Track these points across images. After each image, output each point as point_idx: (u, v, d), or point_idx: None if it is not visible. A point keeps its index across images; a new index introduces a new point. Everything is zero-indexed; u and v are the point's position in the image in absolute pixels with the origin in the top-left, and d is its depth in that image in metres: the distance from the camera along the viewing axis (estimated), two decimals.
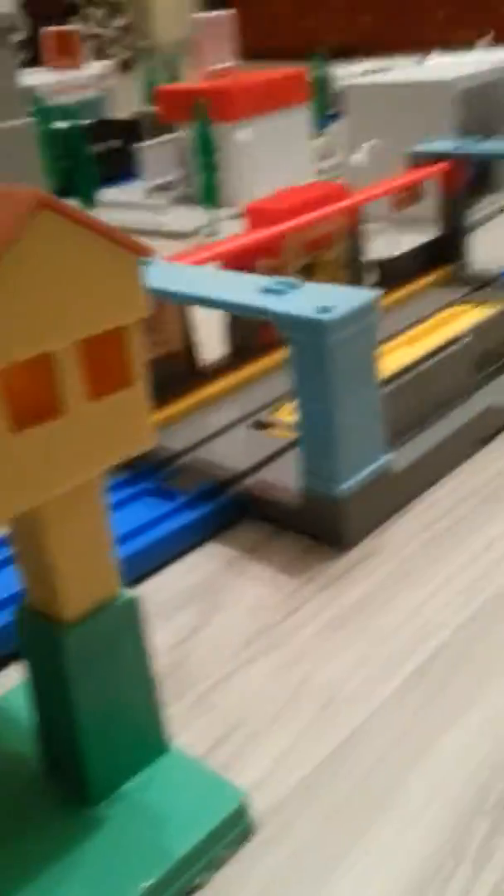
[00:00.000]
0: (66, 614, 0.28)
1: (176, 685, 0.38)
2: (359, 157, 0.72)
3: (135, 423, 0.26)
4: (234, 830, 0.30)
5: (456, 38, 2.33)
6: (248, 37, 2.70)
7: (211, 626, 0.41)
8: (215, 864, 0.30)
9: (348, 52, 2.45)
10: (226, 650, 0.40)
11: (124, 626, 0.30)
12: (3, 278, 0.21)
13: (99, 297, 0.23)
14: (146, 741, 0.32)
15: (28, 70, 1.83)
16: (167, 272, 0.48)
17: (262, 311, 0.41)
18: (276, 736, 0.35)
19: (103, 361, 0.25)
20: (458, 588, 0.41)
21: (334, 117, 1.35)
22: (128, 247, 0.23)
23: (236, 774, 0.33)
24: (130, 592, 0.30)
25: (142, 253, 0.24)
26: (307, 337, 0.40)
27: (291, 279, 0.43)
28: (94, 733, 0.30)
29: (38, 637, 0.29)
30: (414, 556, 0.44)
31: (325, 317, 0.39)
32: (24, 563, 0.29)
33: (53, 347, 0.23)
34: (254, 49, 2.62)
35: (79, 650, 0.28)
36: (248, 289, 0.43)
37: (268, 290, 0.42)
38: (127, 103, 1.83)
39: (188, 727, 0.36)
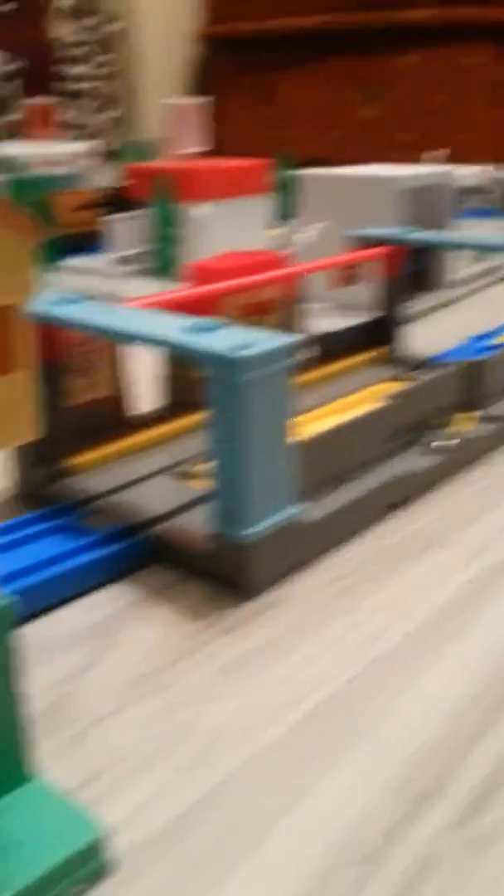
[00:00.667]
0: None
1: (54, 721, 0.36)
2: (306, 236, 0.75)
3: (14, 412, 0.25)
4: (87, 866, 0.28)
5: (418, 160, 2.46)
6: (228, 134, 2.83)
7: (101, 664, 0.40)
8: None
9: (318, 162, 2.57)
10: (111, 689, 0.38)
11: None
12: None
13: None
14: (6, 767, 0.30)
15: (12, 143, 1.89)
16: (98, 309, 0.48)
17: (184, 347, 0.41)
18: (149, 776, 0.33)
19: None
20: (352, 643, 0.41)
21: (294, 214, 1.40)
22: (17, 226, 0.23)
23: (103, 812, 0.31)
24: (6, 597, 0.28)
25: (34, 234, 0.24)
26: (222, 373, 0.40)
27: (220, 320, 0.43)
28: None
29: None
30: (315, 609, 0.43)
31: (240, 353, 0.39)
32: None
33: None
34: (227, 146, 2.75)
35: None
36: (174, 327, 0.44)
37: (194, 329, 0.43)
38: (101, 182, 1.89)
39: (60, 763, 0.34)
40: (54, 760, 0.34)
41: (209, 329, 0.43)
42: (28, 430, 0.26)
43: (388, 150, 2.61)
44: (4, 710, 0.29)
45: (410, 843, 0.30)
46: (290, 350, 0.41)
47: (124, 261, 1.23)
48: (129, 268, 1.19)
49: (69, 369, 0.55)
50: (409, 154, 2.59)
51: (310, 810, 0.31)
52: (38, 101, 1.26)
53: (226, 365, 0.39)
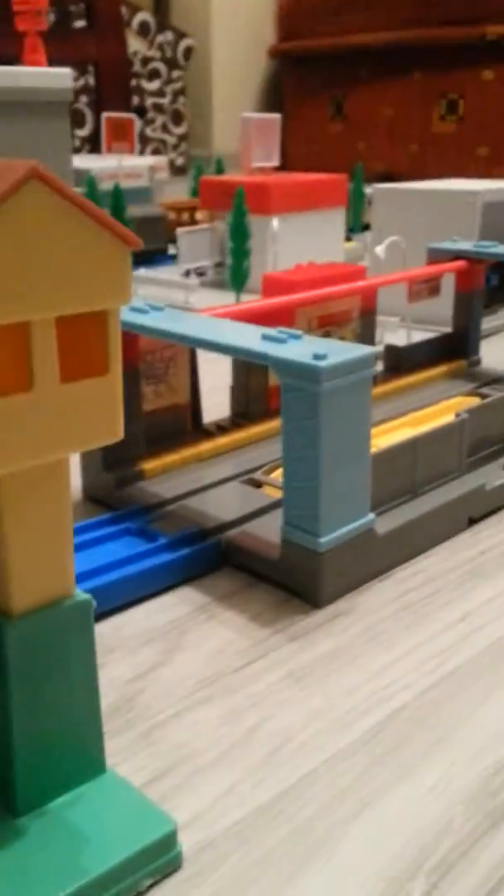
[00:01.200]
0: (13, 606, 0.28)
1: (126, 717, 0.37)
2: (381, 249, 0.75)
3: (104, 412, 0.26)
4: (160, 859, 0.29)
5: (496, 175, 2.44)
6: (295, 150, 2.84)
7: (171, 664, 0.40)
8: (137, 891, 0.28)
9: (387, 177, 2.57)
10: (181, 689, 0.39)
11: (73, 628, 0.29)
12: None
13: (83, 277, 0.24)
14: (82, 757, 0.30)
15: (86, 156, 1.93)
16: (176, 317, 0.49)
17: (261, 356, 0.42)
18: (218, 776, 0.33)
19: (80, 344, 0.25)
20: (424, 655, 0.40)
21: (367, 227, 1.41)
22: (118, 234, 0.24)
23: (172, 808, 0.32)
24: (83, 595, 0.29)
25: (131, 243, 0.24)
26: (301, 383, 0.40)
27: (294, 330, 0.44)
28: (30, 739, 0.29)
29: None
30: (386, 620, 0.43)
31: (320, 363, 0.39)
32: None
33: (31, 318, 0.23)
34: (296, 161, 2.76)
35: (23, 645, 0.28)
36: (250, 336, 0.44)
37: (269, 338, 0.43)
38: (174, 197, 1.92)
39: (131, 758, 0.34)
40: (126, 755, 0.34)
41: (285, 339, 0.44)
42: (115, 430, 0.27)
43: (463, 165, 2.60)
44: (82, 702, 0.30)
45: (483, 857, 0.29)
46: (368, 361, 0.41)
47: (195, 272, 1.25)
48: (200, 279, 1.21)
49: (144, 375, 0.56)
50: (484, 169, 2.57)
51: (380, 819, 0.31)
52: (115, 115, 1.29)
53: (306, 374, 0.40)
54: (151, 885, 0.29)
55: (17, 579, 0.27)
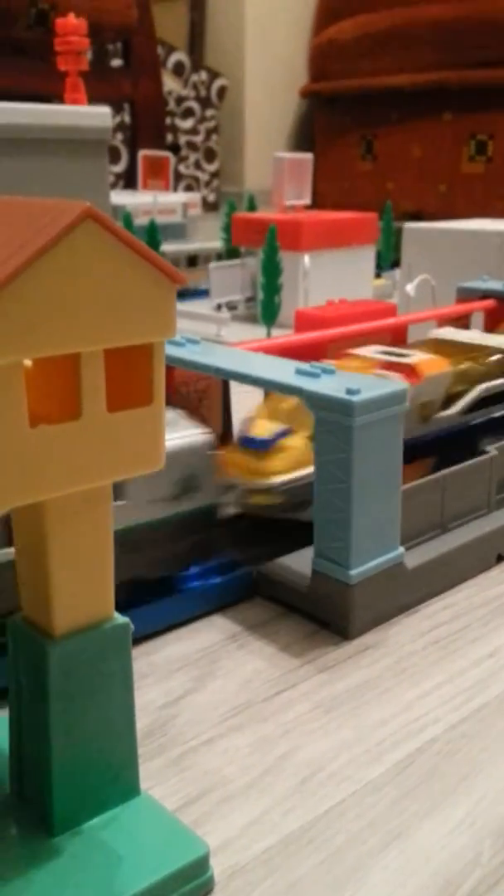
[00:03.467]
0: (55, 627, 0.29)
1: (159, 742, 0.37)
2: (412, 286, 0.76)
3: (147, 442, 0.27)
4: (192, 882, 0.29)
5: None
6: (325, 188, 2.88)
7: (203, 691, 0.41)
8: None
9: (421, 217, 2.59)
10: (213, 715, 0.39)
11: (112, 650, 0.30)
12: (40, 276, 0.23)
13: (131, 312, 0.25)
14: (118, 779, 0.31)
15: (122, 192, 1.98)
16: (212, 350, 0.50)
17: (295, 390, 0.43)
18: (248, 803, 0.34)
19: (127, 376, 0.26)
20: (455, 690, 0.41)
21: (397, 264, 1.42)
22: (165, 272, 0.25)
23: (203, 834, 0.32)
24: (122, 618, 0.30)
25: (177, 280, 0.26)
26: (334, 417, 0.41)
27: (327, 365, 0.45)
28: (67, 759, 0.29)
29: (24, 648, 0.29)
30: (415, 654, 0.44)
31: (353, 398, 0.40)
32: (22, 571, 0.29)
33: (80, 350, 0.25)
34: (326, 199, 2.80)
35: (63, 666, 0.29)
36: (284, 370, 0.45)
37: (303, 373, 0.44)
38: (206, 233, 1.95)
39: (163, 782, 0.35)
40: (158, 779, 0.35)
41: (319, 374, 0.45)
42: (158, 459, 0.28)
43: (492, 205, 2.62)
44: (119, 724, 0.31)
45: None
46: (400, 396, 0.42)
47: (227, 306, 1.27)
48: (231, 312, 1.23)
49: (180, 406, 0.57)
50: None
51: (408, 851, 0.31)
52: (152, 153, 1.32)
53: (339, 408, 0.41)
54: None
55: (59, 601, 0.28)
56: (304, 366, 0.46)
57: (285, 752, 0.37)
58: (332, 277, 1.16)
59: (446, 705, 0.39)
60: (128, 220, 1.37)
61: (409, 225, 1.08)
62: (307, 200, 1.26)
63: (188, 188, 3.11)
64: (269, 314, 1.07)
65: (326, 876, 0.30)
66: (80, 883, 0.28)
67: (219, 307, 1.26)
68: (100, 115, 0.92)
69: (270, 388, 0.45)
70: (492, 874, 0.30)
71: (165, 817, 0.31)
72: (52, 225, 0.23)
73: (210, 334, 1.11)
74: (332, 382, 0.43)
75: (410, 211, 2.77)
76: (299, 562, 0.48)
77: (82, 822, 0.30)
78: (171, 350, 0.50)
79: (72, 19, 0.97)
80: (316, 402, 0.42)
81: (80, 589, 0.29)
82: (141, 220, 1.43)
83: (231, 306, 1.27)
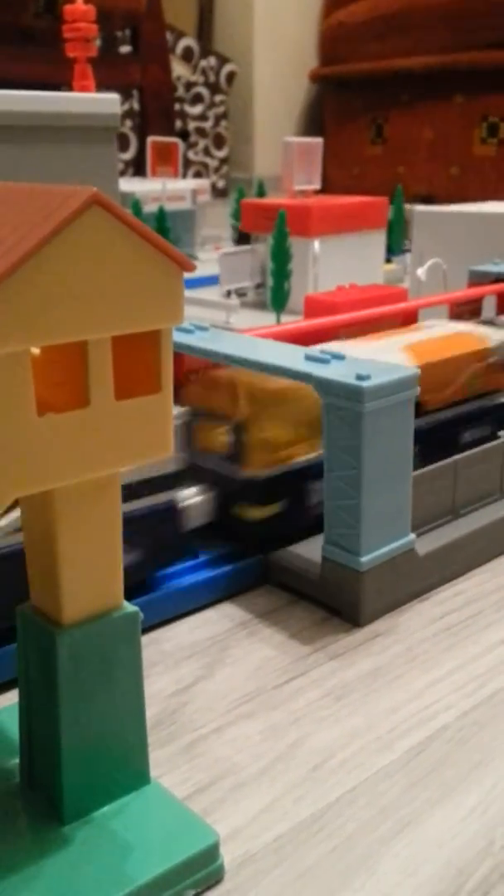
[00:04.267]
0: (64, 616, 0.29)
1: (168, 730, 0.37)
2: (423, 270, 0.76)
3: (156, 429, 0.27)
4: (202, 870, 0.29)
5: None
6: (335, 173, 2.86)
7: (213, 679, 0.41)
8: None
9: (432, 200, 2.58)
10: (223, 703, 0.39)
11: (122, 639, 0.30)
12: (47, 263, 0.23)
13: (138, 299, 0.25)
14: (128, 768, 0.31)
15: (131, 179, 1.97)
16: (221, 336, 0.50)
17: (305, 376, 0.43)
18: (259, 791, 0.34)
19: (135, 363, 0.26)
20: (466, 676, 0.40)
21: (408, 249, 1.41)
22: (173, 257, 0.25)
23: (213, 822, 0.32)
24: (131, 606, 0.30)
25: (185, 267, 0.25)
26: (344, 402, 0.41)
27: (336, 351, 0.44)
28: (77, 748, 0.29)
29: (34, 636, 0.29)
30: (426, 641, 0.43)
31: (363, 383, 0.40)
32: (31, 561, 0.29)
33: (88, 337, 0.24)
34: (337, 184, 2.78)
35: (72, 655, 0.29)
36: (294, 356, 0.45)
37: (312, 358, 0.44)
38: (215, 219, 1.94)
39: (173, 770, 0.35)
40: (168, 767, 0.35)
41: (328, 360, 0.44)
42: (166, 446, 0.28)
43: None
44: (129, 713, 0.31)
45: None
46: (411, 381, 0.42)
47: (236, 292, 1.27)
48: (240, 299, 1.22)
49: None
50: None
51: (420, 838, 0.31)
52: (161, 139, 1.32)
53: (349, 394, 0.40)
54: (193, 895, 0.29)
55: (68, 590, 0.28)
56: (314, 351, 0.45)
57: (296, 740, 0.37)
58: (342, 263, 1.15)
59: (458, 692, 0.39)
60: (137, 207, 1.37)
61: (420, 208, 1.07)
62: (317, 185, 1.25)
63: (197, 174, 3.10)
64: (278, 300, 1.06)
65: (338, 863, 0.30)
66: (90, 871, 0.28)
67: (228, 294, 1.26)
68: (109, 102, 0.92)
69: (280, 374, 0.44)
70: (503, 863, 0.30)
71: (175, 806, 0.31)
72: (59, 211, 0.22)
73: (219, 321, 1.11)
74: (341, 368, 0.43)
75: (421, 194, 2.75)
76: (309, 549, 0.47)
77: (92, 811, 0.30)
78: (180, 337, 0.50)
79: (80, 6, 0.97)
80: (326, 388, 0.42)
81: (89, 577, 0.29)
82: (150, 207, 1.42)
83: (241, 293, 1.27)
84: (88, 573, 0.29)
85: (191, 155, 3.11)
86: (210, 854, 0.29)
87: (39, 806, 0.30)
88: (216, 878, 0.29)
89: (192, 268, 0.26)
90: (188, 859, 0.29)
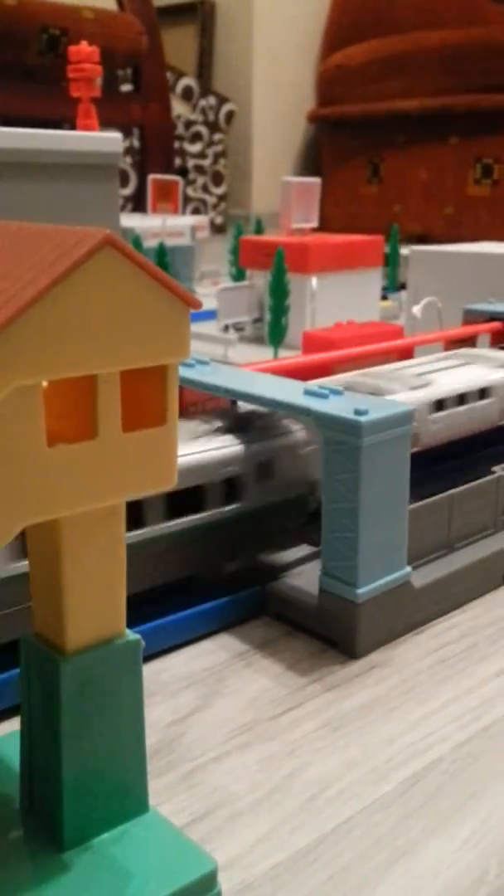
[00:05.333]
0: (68, 644, 0.29)
1: (167, 759, 0.38)
2: (419, 308, 0.77)
3: (161, 461, 0.28)
4: None
5: None
6: (332, 211, 2.90)
7: (210, 709, 0.41)
8: None
9: (427, 240, 2.62)
10: (220, 733, 0.39)
11: (124, 667, 0.30)
12: (61, 300, 0.24)
13: (146, 335, 0.26)
14: (127, 795, 0.31)
15: (131, 215, 2.00)
16: (221, 370, 0.51)
17: (303, 410, 0.44)
18: (256, 820, 0.34)
19: (142, 397, 0.27)
20: (461, 709, 0.41)
21: (403, 287, 1.44)
22: (180, 296, 0.26)
23: (211, 850, 0.32)
24: (133, 635, 0.31)
25: (192, 304, 0.26)
26: (342, 437, 0.42)
27: (334, 386, 0.45)
28: (78, 775, 0.30)
29: (36, 664, 0.30)
30: (423, 673, 0.44)
31: (361, 418, 0.41)
32: (35, 588, 0.30)
33: (98, 371, 0.25)
34: (333, 222, 2.82)
35: (75, 682, 0.29)
36: (293, 390, 0.46)
37: (311, 393, 0.45)
38: (213, 255, 1.97)
39: (171, 800, 0.35)
40: (166, 796, 0.35)
41: (327, 394, 0.45)
42: (171, 477, 0.29)
43: (498, 228, 2.64)
44: (129, 740, 0.31)
45: None
46: (408, 417, 0.43)
47: (234, 327, 1.28)
48: (238, 334, 1.24)
49: None
50: None
51: (415, 868, 0.31)
52: (161, 177, 1.34)
53: (347, 429, 0.41)
54: None
55: (73, 617, 0.29)
56: (313, 386, 0.46)
57: (293, 770, 0.37)
58: (339, 299, 1.17)
59: (453, 724, 0.40)
60: (137, 242, 1.39)
61: (416, 248, 1.10)
62: (314, 224, 1.28)
63: (195, 211, 3.14)
64: (276, 335, 1.08)
65: (334, 892, 0.31)
66: None
67: (226, 328, 1.27)
68: (111, 141, 0.94)
69: (278, 408, 0.45)
70: (498, 892, 0.30)
71: (174, 833, 0.31)
72: (74, 250, 0.23)
73: (217, 355, 1.12)
74: (340, 403, 0.44)
75: (417, 233, 2.79)
76: (307, 580, 0.48)
77: (92, 838, 0.30)
78: (182, 371, 0.51)
79: (85, 47, 0.99)
80: (324, 423, 0.43)
81: (94, 605, 0.29)
82: (150, 243, 1.44)
83: (238, 327, 1.28)
84: (93, 601, 0.29)
85: (189, 191, 3.16)
86: (208, 882, 0.30)
87: (39, 831, 0.31)
88: None
89: (198, 305, 0.27)
90: (186, 886, 0.29)
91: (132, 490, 0.27)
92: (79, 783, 0.30)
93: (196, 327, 1.29)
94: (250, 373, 0.52)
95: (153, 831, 0.31)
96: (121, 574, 0.30)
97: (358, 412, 0.42)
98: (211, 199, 3.26)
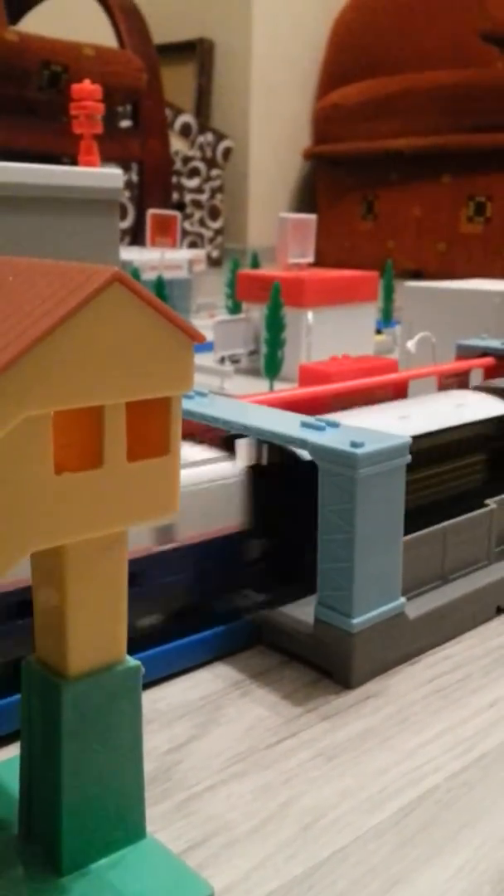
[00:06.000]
0: (70, 669, 0.30)
1: (163, 787, 0.38)
2: (413, 343, 0.79)
3: (164, 490, 0.29)
4: None
5: None
6: (327, 246, 2.94)
7: (206, 738, 0.41)
8: None
9: (421, 276, 2.65)
10: (216, 762, 0.40)
11: (124, 692, 0.31)
12: (71, 334, 0.24)
13: (152, 367, 0.27)
14: (125, 821, 0.32)
15: (130, 248, 2.02)
16: (219, 403, 0.52)
17: (300, 442, 0.45)
18: (252, 848, 0.34)
19: (146, 427, 0.28)
20: (455, 739, 0.41)
21: (396, 322, 1.46)
22: (184, 330, 0.27)
23: (207, 878, 0.32)
24: (133, 661, 0.31)
25: (195, 338, 0.27)
26: (338, 468, 0.43)
27: (331, 418, 0.46)
28: (77, 800, 0.30)
29: (38, 688, 0.30)
30: (417, 703, 0.44)
31: (357, 450, 0.42)
32: (38, 613, 0.31)
33: (105, 402, 0.26)
34: (327, 257, 2.86)
35: (76, 707, 0.30)
36: (290, 423, 0.47)
37: (308, 425, 0.46)
38: (210, 288, 1.99)
39: (167, 827, 0.35)
40: (163, 824, 0.35)
41: (323, 427, 0.46)
42: (173, 505, 0.29)
43: (490, 264, 2.68)
44: (128, 766, 0.31)
45: None
46: (403, 449, 0.44)
47: (230, 359, 1.30)
48: (234, 366, 1.25)
49: None
50: None
51: None
52: (160, 212, 1.37)
53: (343, 460, 0.42)
54: None
55: (75, 643, 0.29)
56: (310, 419, 0.47)
57: (288, 799, 0.37)
58: (334, 333, 1.19)
59: (447, 754, 0.40)
60: (136, 274, 1.41)
61: (410, 284, 1.11)
62: (310, 259, 1.30)
63: (192, 244, 3.18)
64: (272, 368, 1.09)
65: None
66: None
67: (222, 360, 1.29)
68: (112, 177, 0.96)
69: (276, 440, 0.46)
70: None
71: (171, 859, 0.31)
72: (84, 286, 0.24)
73: (214, 386, 1.13)
74: (336, 435, 0.45)
75: (411, 269, 2.83)
76: (301, 610, 0.48)
77: (90, 863, 0.31)
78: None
79: (87, 85, 1.01)
80: (320, 455, 0.44)
81: (95, 631, 0.30)
82: (148, 276, 1.46)
83: (234, 359, 1.30)
84: (95, 626, 0.30)
85: (186, 225, 3.20)
86: None
87: (37, 857, 0.31)
88: None
89: (202, 339, 0.28)
90: None
91: (136, 518, 0.28)
92: (78, 808, 0.30)
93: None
94: (248, 405, 0.53)
95: (150, 857, 0.31)
96: (122, 599, 0.30)
97: (354, 444, 0.42)
98: (208, 233, 3.31)
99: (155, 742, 0.41)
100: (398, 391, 0.69)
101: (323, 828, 0.35)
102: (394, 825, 0.36)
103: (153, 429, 0.28)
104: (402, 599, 0.46)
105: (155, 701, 0.45)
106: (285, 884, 0.32)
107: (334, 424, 0.46)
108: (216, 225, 3.34)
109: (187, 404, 0.51)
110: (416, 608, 0.48)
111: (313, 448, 0.44)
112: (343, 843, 0.35)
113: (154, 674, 0.46)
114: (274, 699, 0.45)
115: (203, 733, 0.42)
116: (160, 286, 1.21)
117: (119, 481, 0.27)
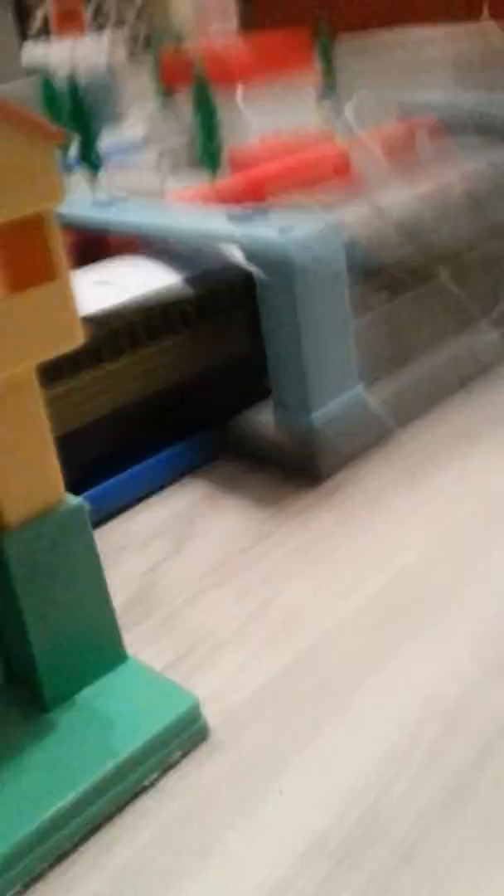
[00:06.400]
0: (6, 520, 0.28)
1: (142, 608, 0.38)
2: (351, 106, 0.72)
3: (60, 319, 0.26)
4: (186, 732, 0.30)
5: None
6: (251, 9, 2.68)
7: (182, 554, 0.42)
8: (167, 766, 0.30)
9: (358, 29, 2.42)
10: (193, 576, 0.40)
11: (70, 533, 0.30)
12: None
13: (10, 183, 0.23)
14: (101, 650, 0.32)
15: (36, 43, 1.83)
16: (136, 207, 0.48)
17: (231, 237, 0.41)
18: (235, 650, 0.35)
19: (22, 253, 0.25)
20: (424, 516, 0.41)
21: (336, 87, 1.34)
22: (40, 131, 0.23)
23: (193, 686, 0.33)
24: (76, 499, 0.30)
25: (52, 137, 0.24)
26: (273, 258, 0.40)
27: (265, 206, 0.43)
28: (46, 640, 0.30)
29: None
30: (386, 487, 0.44)
31: (289, 234, 0.39)
32: None
33: None
34: (257, 22, 2.61)
35: (21, 556, 0.29)
36: (216, 217, 0.43)
37: (238, 217, 0.42)
38: (140, 86, 1.83)
39: (151, 644, 0.36)
40: (146, 643, 0.36)
41: (254, 216, 0.42)
42: (75, 335, 0.27)
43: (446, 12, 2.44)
44: (92, 599, 0.31)
45: (489, 706, 0.31)
46: (338, 228, 0.40)
47: (167, 154, 1.21)
48: (172, 161, 1.17)
49: None
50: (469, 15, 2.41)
51: (391, 675, 0.32)
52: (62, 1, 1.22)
53: (276, 248, 0.39)
54: (183, 756, 0.30)
55: (6, 493, 0.28)
56: (238, 210, 0.44)
57: (266, 599, 0.38)
58: (271, 109, 1.09)
59: (418, 531, 0.40)
60: (49, 86, 1.27)
61: (347, 40, 1.01)
62: (233, 27, 1.17)
63: (115, 26, 2.90)
64: (210, 157, 1.01)
65: (316, 706, 0.32)
66: (79, 749, 0.29)
67: (161, 157, 1.20)
68: None
69: (204, 239, 0.43)
70: (476, 688, 0.31)
71: (152, 677, 0.32)
72: None
73: (154, 187, 1.06)
74: (269, 222, 0.41)
75: (350, 25, 2.59)
76: (262, 414, 0.47)
77: (73, 694, 0.31)
78: (96, 213, 0.48)
79: None
80: (254, 245, 0.40)
81: (25, 477, 0.28)
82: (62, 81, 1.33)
83: (172, 154, 1.21)
84: (23, 473, 0.28)
85: (100, 9, 2.90)
86: (191, 716, 0.31)
87: (21, 698, 0.31)
88: (201, 737, 0.31)
89: (59, 136, 0.24)
90: (171, 724, 0.30)
91: (34, 354, 0.26)
92: (49, 647, 0.30)
93: (130, 159, 1.22)
94: (171, 206, 0.49)
95: (132, 678, 0.32)
96: (47, 440, 0.29)
97: (285, 229, 0.39)
98: (127, 13, 3.00)
99: (130, 566, 0.41)
100: (341, 170, 0.64)
101: (303, 619, 0.36)
102: (372, 607, 0.36)
103: (31, 254, 0.25)
104: (360, 386, 0.45)
105: (127, 525, 0.44)
106: (271, 678, 0.33)
107: (266, 212, 0.42)
108: (134, 2, 3.03)
109: (104, 214, 0.47)
110: (376, 393, 0.47)
111: (244, 240, 0.40)
112: (323, 631, 0.35)
113: (123, 499, 0.45)
114: (245, 504, 0.44)
115: (178, 550, 0.42)
116: (74, 91, 1.10)
117: (5, 319, 0.25)
